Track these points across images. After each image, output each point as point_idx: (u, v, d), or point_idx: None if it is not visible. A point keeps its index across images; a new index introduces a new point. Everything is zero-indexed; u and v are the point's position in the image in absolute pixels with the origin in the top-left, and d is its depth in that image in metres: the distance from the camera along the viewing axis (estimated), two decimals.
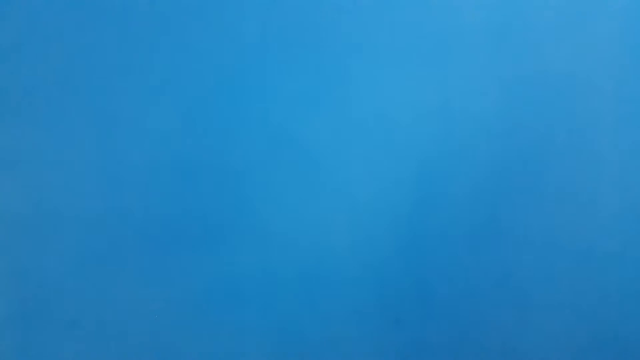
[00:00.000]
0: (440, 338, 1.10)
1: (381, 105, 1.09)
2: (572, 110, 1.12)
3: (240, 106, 1.06)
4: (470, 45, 1.10)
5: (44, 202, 1.03)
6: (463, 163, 1.10)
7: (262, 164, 1.07)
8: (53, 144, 1.03)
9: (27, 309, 1.02)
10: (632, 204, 1.13)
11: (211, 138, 1.05)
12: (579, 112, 1.12)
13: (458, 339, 1.11)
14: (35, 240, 1.02)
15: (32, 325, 1.02)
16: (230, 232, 1.06)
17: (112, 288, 1.04)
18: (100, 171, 1.04)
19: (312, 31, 1.08)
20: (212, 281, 1.06)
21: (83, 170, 1.03)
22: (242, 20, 1.06)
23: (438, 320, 1.10)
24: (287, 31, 1.07)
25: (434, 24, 1.10)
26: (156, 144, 1.05)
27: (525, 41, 1.11)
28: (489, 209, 1.11)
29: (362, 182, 1.09)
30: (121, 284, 1.04)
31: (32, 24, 1.03)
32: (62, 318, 1.03)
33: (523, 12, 1.11)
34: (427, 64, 1.10)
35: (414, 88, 1.09)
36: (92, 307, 1.04)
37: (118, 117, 1.04)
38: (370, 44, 1.09)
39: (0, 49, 1.02)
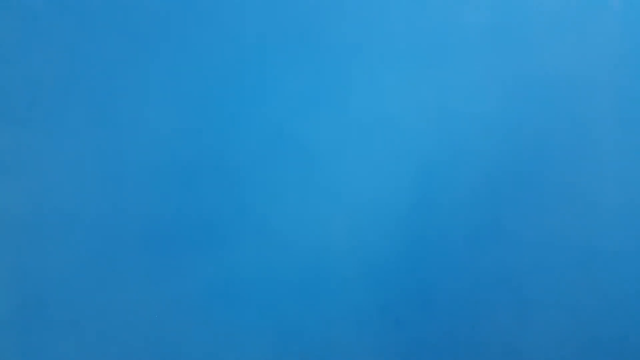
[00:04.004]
0: (440, 338, 1.10)
1: (381, 105, 1.09)
2: (573, 110, 1.12)
3: (240, 106, 1.06)
4: (470, 46, 1.10)
5: (44, 202, 1.03)
6: (463, 163, 1.10)
7: (262, 164, 1.07)
8: (53, 144, 1.03)
9: (27, 309, 1.02)
10: (633, 204, 1.13)
11: (211, 138, 1.06)
12: (579, 112, 1.12)
13: (458, 339, 1.11)
14: (35, 240, 1.03)
15: (32, 325, 1.02)
16: (230, 232, 1.06)
17: (112, 288, 1.04)
18: (100, 171, 1.04)
19: (312, 31, 1.08)
20: (212, 281, 1.06)
21: (83, 171, 1.03)
22: (242, 20, 1.06)
23: (438, 320, 1.10)
24: (287, 31, 1.07)
25: (434, 24, 1.10)
26: (156, 144, 1.05)
27: (525, 41, 1.11)
28: (489, 209, 1.11)
29: (362, 182, 1.09)
30: (121, 284, 1.04)
31: (32, 24, 1.03)
32: (62, 318, 1.03)
33: (523, 12, 1.11)
34: (427, 64, 1.10)
35: (414, 88, 1.10)
36: (92, 307, 1.04)
37: (118, 117, 1.04)
38: (370, 44, 1.09)
39: (0, 49, 1.02)
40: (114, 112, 1.04)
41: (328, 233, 1.08)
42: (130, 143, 1.04)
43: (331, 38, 1.08)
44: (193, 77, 1.05)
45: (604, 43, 1.12)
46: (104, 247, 1.04)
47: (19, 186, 1.02)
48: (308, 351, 1.08)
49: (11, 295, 1.02)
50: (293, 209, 1.07)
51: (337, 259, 1.08)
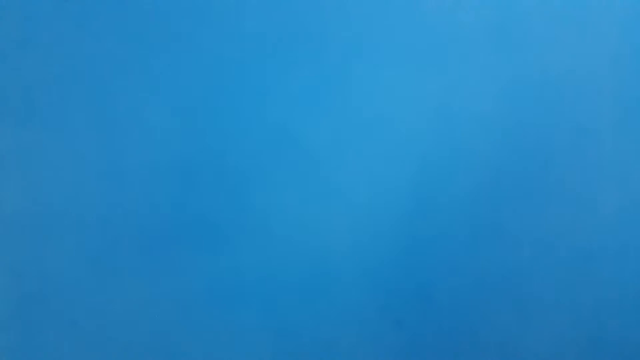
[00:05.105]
0: (441, 339, 1.10)
1: (381, 105, 1.09)
2: (572, 110, 1.12)
3: (240, 106, 1.06)
4: (470, 46, 1.11)
5: (44, 202, 1.03)
6: (463, 163, 1.10)
7: (262, 164, 1.07)
8: (53, 143, 1.03)
9: (27, 309, 1.02)
10: (632, 204, 1.13)
11: (211, 138, 1.06)
12: (579, 112, 1.12)
13: (458, 339, 1.11)
14: (35, 240, 1.03)
15: (32, 325, 1.02)
16: (230, 233, 1.06)
17: (112, 288, 1.04)
18: (100, 171, 1.04)
19: (312, 31, 1.08)
20: (212, 281, 1.06)
21: (83, 170, 1.03)
22: (243, 20, 1.06)
23: (438, 321, 1.10)
24: (287, 31, 1.07)
25: (434, 24, 1.10)
26: (156, 144, 1.05)
27: (525, 41, 1.11)
28: (489, 209, 1.11)
29: (362, 182, 1.09)
30: (121, 284, 1.04)
31: (32, 24, 1.03)
32: (62, 318, 1.03)
33: (523, 12, 1.11)
34: (428, 64, 1.10)
35: (415, 88, 1.10)
36: (92, 307, 1.04)
37: (118, 117, 1.04)
38: (370, 44, 1.09)
39: (0, 49, 1.02)
40: (114, 112, 1.04)
41: (328, 233, 1.08)
42: (130, 143, 1.04)
43: (331, 38, 1.08)
44: (193, 76, 1.05)
45: (604, 43, 1.12)
46: (104, 246, 1.04)
47: (19, 186, 1.02)
48: (308, 351, 1.08)
49: (11, 295, 1.02)
50: (293, 209, 1.07)
51: (337, 259, 1.08)
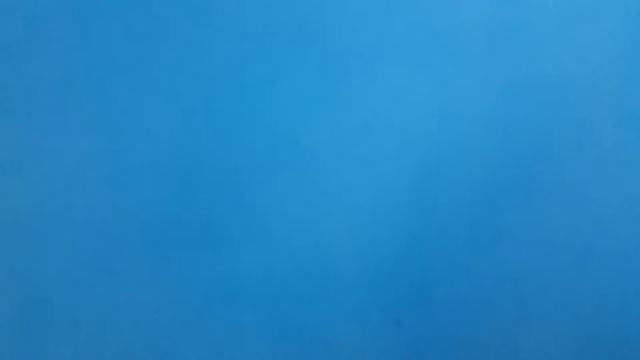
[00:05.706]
0: (441, 339, 1.10)
1: (381, 105, 1.09)
2: (572, 111, 1.12)
3: (240, 106, 1.06)
4: (470, 46, 1.10)
5: (44, 202, 1.03)
6: (463, 164, 1.10)
7: (262, 165, 1.07)
8: (53, 144, 1.03)
9: (27, 309, 1.02)
10: (632, 204, 1.13)
11: (211, 138, 1.06)
12: (579, 112, 1.12)
13: (459, 340, 1.11)
14: (35, 240, 1.03)
15: (32, 325, 1.02)
16: (230, 233, 1.06)
17: (112, 288, 1.04)
18: (100, 171, 1.04)
19: (312, 31, 1.08)
20: (212, 281, 1.06)
21: (83, 171, 1.03)
22: (243, 20, 1.06)
23: (439, 321, 1.10)
24: (287, 31, 1.07)
25: (434, 24, 1.10)
26: (156, 144, 1.05)
27: (525, 41, 1.11)
28: (489, 209, 1.11)
29: (362, 182, 1.09)
30: (121, 284, 1.04)
31: (32, 24, 1.03)
32: (62, 318, 1.03)
33: (523, 12, 1.11)
34: (427, 65, 1.10)
35: (414, 89, 1.09)
36: (92, 307, 1.04)
37: (118, 117, 1.04)
38: (370, 45, 1.09)
39: (0, 49, 1.02)
40: (114, 113, 1.04)
41: (328, 233, 1.08)
42: (130, 143, 1.04)
43: (331, 38, 1.08)
44: (193, 77, 1.05)
45: (604, 43, 1.12)
46: (104, 247, 1.04)
47: (19, 186, 1.02)
48: (308, 351, 1.08)
49: (11, 295, 1.02)
50: (293, 209, 1.07)
51: (338, 259, 1.08)
